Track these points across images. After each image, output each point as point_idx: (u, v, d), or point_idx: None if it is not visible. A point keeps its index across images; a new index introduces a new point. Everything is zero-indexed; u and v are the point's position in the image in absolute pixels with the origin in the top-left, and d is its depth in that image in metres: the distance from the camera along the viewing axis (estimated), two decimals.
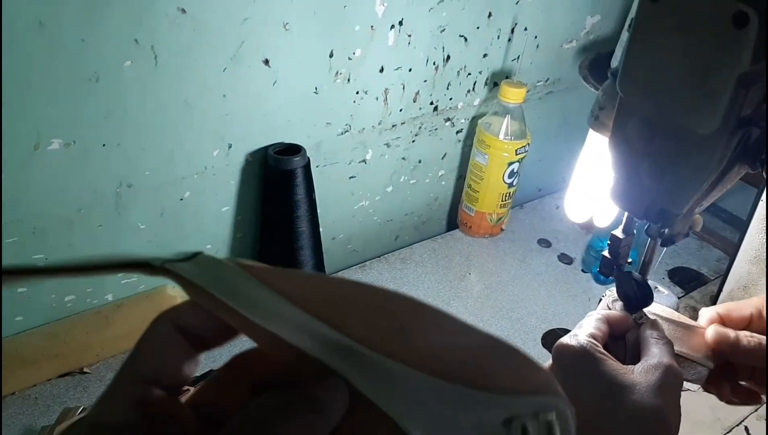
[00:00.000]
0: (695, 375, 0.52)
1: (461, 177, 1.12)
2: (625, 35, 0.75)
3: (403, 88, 0.93)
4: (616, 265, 0.57)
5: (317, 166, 0.91)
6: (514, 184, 1.05)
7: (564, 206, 0.87)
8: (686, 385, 0.51)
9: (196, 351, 0.27)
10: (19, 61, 0.62)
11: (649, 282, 0.55)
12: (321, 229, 0.91)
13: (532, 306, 0.97)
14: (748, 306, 0.54)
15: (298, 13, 0.77)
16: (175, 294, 0.85)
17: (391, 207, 1.06)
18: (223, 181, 0.84)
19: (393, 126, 0.97)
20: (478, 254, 1.07)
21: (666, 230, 0.51)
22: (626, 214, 0.55)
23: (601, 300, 0.58)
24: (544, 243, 1.11)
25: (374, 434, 0.23)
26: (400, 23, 0.87)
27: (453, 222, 1.16)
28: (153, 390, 0.25)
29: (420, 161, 1.04)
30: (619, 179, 0.52)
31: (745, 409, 0.82)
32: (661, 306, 0.56)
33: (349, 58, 0.85)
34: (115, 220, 0.77)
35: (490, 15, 0.95)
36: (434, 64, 0.94)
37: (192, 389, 0.27)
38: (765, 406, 0.81)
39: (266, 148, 0.84)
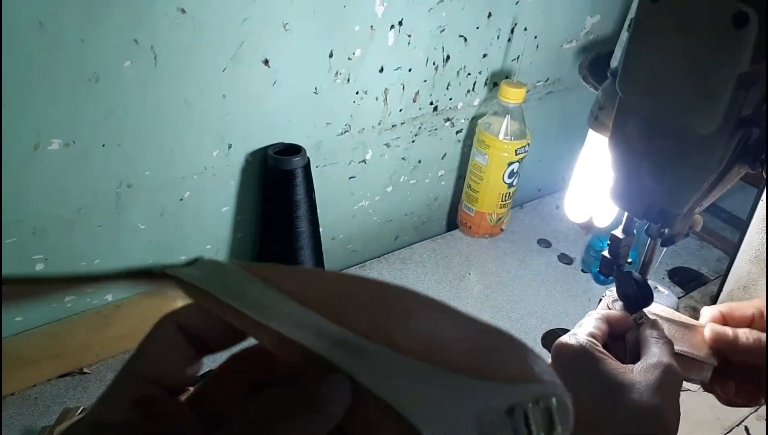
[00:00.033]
0: (698, 374, 0.52)
1: (461, 177, 1.12)
2: (624, 35, 0.75)
3: (403, 88, 0.93)
4: (616, 265, 0.57)
5: (317, 167, 0.91)
6: (514, 184, 1.05)
7: (564, 206, 0.87)
8: (686, 385, 0.51)
9: (198, 353, 0.27)
10: (19, 61, 0.62)
11: (649, 282, 0.55)
12: (321, 230, 0.91)
13: (532, 306, 0.97)
14: (750, 306, 0.54)
15: (298, 13, 0.77)
16: (175, 295, 0.84)
17: (390, 207, 1.06)
18: (223, 182, 0.84)
19: (393, 126, 0.97)
20: (478, 254, 1.07)
21: (666, 230, 0.51)
22: (626, 214, 0.55)
23: (601, 300, 0.58)
24: (544, 243, 1.11)
25: (378, 430, 0.23)
26: (400, 23, 0.87)
27: (453, 222, 1.16)
28: (153, 390, 0.25)
29: (420, 161, 1.04)
30: (619, 179, 0.52)
31: (745, 410, 0.82)
32: (661, 306, 0.56)
33: (349, 58, 0.85)
34: (115, 221, 0.77)
35: (489, 15, 0.95)
36: (434, 64, 0.94)
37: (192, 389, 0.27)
38: (765, 406, 0.81)
39: (266, 148, 0.84)
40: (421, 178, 1.07)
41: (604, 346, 0.49)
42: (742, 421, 0.81)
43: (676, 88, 0.44)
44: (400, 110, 0.96)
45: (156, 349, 0.26)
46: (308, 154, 0.85)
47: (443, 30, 0.92)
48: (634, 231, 0.56)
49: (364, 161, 0.97)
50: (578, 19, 1.07)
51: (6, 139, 0.65)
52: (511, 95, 0.97)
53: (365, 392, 0.22)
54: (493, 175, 1.02)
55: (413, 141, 1.01)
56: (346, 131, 0.92)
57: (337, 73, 0.85)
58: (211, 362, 0.28)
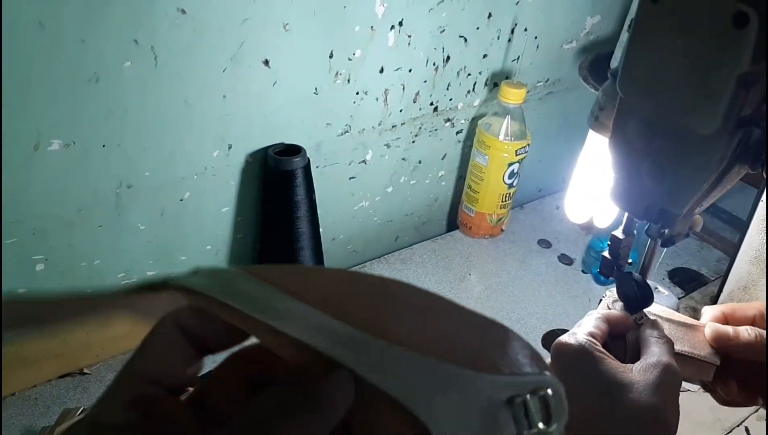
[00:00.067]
0: (699, 374, 0.52)
1: (461, 177, 1.12)
2: (624, 36, 0.75)
3: (403, 88, 0.93)
4: (617, 266, 0.57)
5: (317, 167, 0.91)
6: (514, 184, 1.05)
7: (564, 207, 0.87)
8: (687, 385, 0.51)
9: (199, 353, 0.27)
10: (19, 61, 0.62)
11: (649, 282, 0.55)
12: (321, 230, 0.91)
13: (532, 307, 0.97)
14: (751, 308, 0.54)
15: (298, 14, 0.77)
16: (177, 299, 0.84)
17: (391, 208, 1.06)
18: (223, 182, 0.84)
19: (393, 126, 0.97)
20: (478, 255, 1.07)
21: (666, 231, 0.51)
22: (626, 214, 0.55)
23: (601, 300, 0.58)
24: (545, 244, 1.11)
25: (384, 426, 0.23)
26: (400, 24, 0.87)
27: (453, 223, 1.16)
28: (153, 390, 0.25)
29: (420, 162, 1.04)
30: (619, 180, 0.52)
31: (746, 410, 0.82)
32: (662, 306, 0.56)
33: (349, 59, 0.85)
34: (115, 221, 0.77)
35: (490, 15, 0.95)
36: (434, 64, 0.94)
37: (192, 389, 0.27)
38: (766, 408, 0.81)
39: (266, 148, 0.84)
40: (422, 178, 1.07)
41: (603, 346, 0.49)
42: (743, 421, 0.81)
43: (676, 88, 0.44)
44: (401, 111, 0.96)
45: (156, 349, 0.26)
46: (308, 155, 0.85)
47: (443, 30, 0.92)
48: (635, 231, 0.56)
49: (364, 162, 0.97)
50: (578, 20, 1.07)
51: (6, 140, 0.65)
52: (512, 96, 0.97)
53: (370, 388, 0.22)
54: (493, 176, 1.02)
55: (413, 141, 1.01)
56: (347, 132, 0.92)
57: (337, 73, 0.85)
58: (211, 362, 0.28)
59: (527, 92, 0.98)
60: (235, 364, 0.28)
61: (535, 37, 1.04)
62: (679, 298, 0.99)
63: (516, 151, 1.00)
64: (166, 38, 0.69)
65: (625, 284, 0.55)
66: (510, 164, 1.01)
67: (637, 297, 0.54)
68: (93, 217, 0.75)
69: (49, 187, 0.70)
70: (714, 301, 0.95)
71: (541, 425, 0.23)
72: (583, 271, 1.06)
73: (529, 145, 1.01)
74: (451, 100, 1.01)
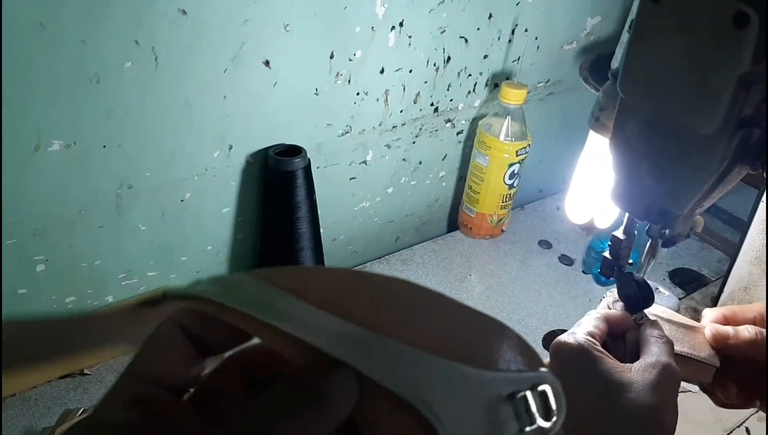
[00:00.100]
0: (699, 376, 0.52)
1: (462, 178, 1.12)
2: (625, 36, 0.75)
3: (404, 89, 0.93)
4: (617, 266, 0.57)
5: (318, 168, 0.91)
6: (515, 185, 1.05)
7: (565, 207, 0.87)
8: (688, 386, 0.51)
9: (200, 354, 0.27)
10: (19, 61, 0.62)
11: (650, 283, 0.54)
12: (321, 231, 0.91)
13: (532, 307, 0.97)
14: (752, 310, 0.54)
15: (298, 14, 0.77)
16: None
17: (391, 208, 1.06)
18: (224, 183, 0.84)
19: (393, 127, 0.97)
20: (479, 255, 1.07)
21: (667, 231, 0.51)
22: (627, 215, 0.55)
23: (601, 301, 0.58)
24: (545, 244, 1.11)
25: (389, 423, 0.23)
26: (401, 24, 0.87)
27: (453, 223, 1.16)
28: (154, 389, 0.25)
29: (420, 162, 1.04)
30: (620, 180, 0.52)
31: (746, 411, 0.82)
32: (662, 307, 0.56)
33: (350, 60, 0.85)
34: (116, 221, 0.77)
35: (490, 16, 0.95)
36: (435, 65, 0.94)
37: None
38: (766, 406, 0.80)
39: (267, 149, 0.84)
40: (422, 179, 1.07)
41: (603, 346, 0.49)
42: (743, 422, 0.81)
43: (676, 88, 0.44)
44: (401, 111, 0.96)
45: (157, 350, 0.26)
46: (309, 155, 0.85)
47: (444, 31, 0.92)
48: (635, 232, 0.56)
49: (364, 162, 0.97)
50: (579, 20, 1.07)
51: (6, 140, 0.65)
52: (512, 96, 0.97)
53: (375, 386, 0.22)
54: (493, 176, 1.02)
55: (414, 142, 1.01)
56: (347, 132, 0.92)
57: (337, 74, 0.85)
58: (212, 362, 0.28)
59: (528, 93, 0.98)
60: (235, 364, 0.28)
61: (536, 38, 1.04)
62: (679, 299, 0.99)
63: (516, 151, 1.00)
64: (166, 39, 0.69)
65: (625, 285, 0.54)
66: (510, 165, 1.01)
67: (637, 297, 0.54)
68: (93, 217, 0.75)
69: (50, 187, 0.70)
70: (714, 301, 0.95)
71: (540, 421, 0.24)
72: (583, 272, 1.06)
73: (529, 145, 1.01)
74: (451, 100, 1.01)
